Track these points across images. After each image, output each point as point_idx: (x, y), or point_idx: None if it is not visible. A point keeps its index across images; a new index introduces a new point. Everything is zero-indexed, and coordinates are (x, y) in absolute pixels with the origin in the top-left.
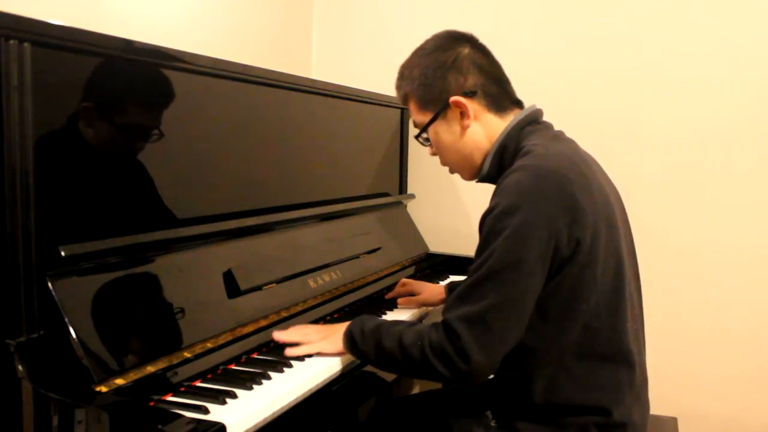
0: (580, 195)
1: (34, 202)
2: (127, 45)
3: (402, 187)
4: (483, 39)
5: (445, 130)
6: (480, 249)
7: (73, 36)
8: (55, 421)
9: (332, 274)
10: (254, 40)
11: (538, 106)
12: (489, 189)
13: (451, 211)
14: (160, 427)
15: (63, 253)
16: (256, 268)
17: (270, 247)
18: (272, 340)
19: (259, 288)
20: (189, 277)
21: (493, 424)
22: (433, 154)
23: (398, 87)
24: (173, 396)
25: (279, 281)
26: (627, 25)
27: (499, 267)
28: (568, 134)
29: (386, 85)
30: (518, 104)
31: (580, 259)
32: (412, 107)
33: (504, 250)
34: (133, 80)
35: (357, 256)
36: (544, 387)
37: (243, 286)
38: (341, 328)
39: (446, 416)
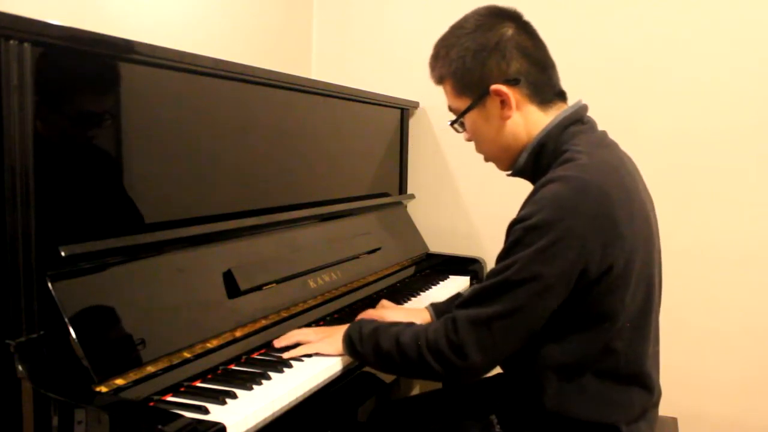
0: (621, 217)
1: (34, 202)
2: (127, 45)
3: (402, 187)
4: None
5: (483, 120)
6: (503, 255)
7: (73, 36)
8: (55, 421)
9: (332, 274)
10: (254, 40)
11: (584, 102)
12: (490, 189)
13: (451, 211)
14: (160, 427)
15: (63, 253)
16: (256, 268)
17: (270, 247)
18: (272, 340)
19: (259, 288)
20: (189, 277)
21: (498, 428)
22: (468, 140)
23: (432, 67)
24: (173, 396)
25: (279, 281)
26: (627, 25)
27: (519, 279)
28: None
29: (386, 85)
30: (562, 96)
31: (611, 282)
32: (448, 91)
33: (526, 264)
34: (133, 80)
35: (357, 256)
36: (555, 396)
37: (243, 286)
38: (340, 330)
39: (448, 418)
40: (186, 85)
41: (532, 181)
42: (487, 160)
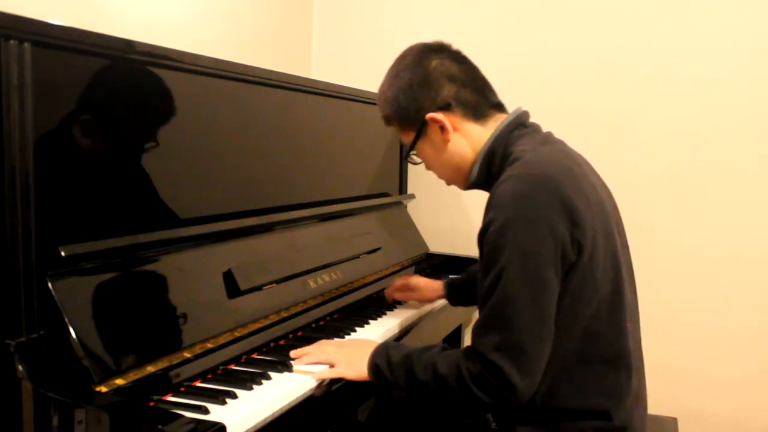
0: (576, 198)
1: (34, 202)
2: (127, 45)
3: (402, 187)
4: (482, 38)
5: (429, 147)
6: (486, 267)
7: (73, 36)
8: (55, 421)
9: (332, 274)
10: (254, 40)
11: (524, 108)
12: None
13: (451, 211)
14: (160, 427)
15: (63, 253)
16: (256, 268)
17: (270, 247)
18: (272, 341)
19: (259, 288)
20: (189, 277)
21: (494, 426)
22: (428, 168)
23: (382, 116)
24: (173, 396)
25: (279, 281)
26: (627, 25)
27: (516, 287)
28: (568, 135)
29: None
30: (499, 107)
31: (583, 263)
32: (396, 129)
33: (514, 269)
34: (133, 80)
35: (357, 256)
36: (545, 392)
37: (243, 286)
38: (364, 351)
39: (446, 418)
40: (186, 85)
41: (488, 190)
42: (448, 183)
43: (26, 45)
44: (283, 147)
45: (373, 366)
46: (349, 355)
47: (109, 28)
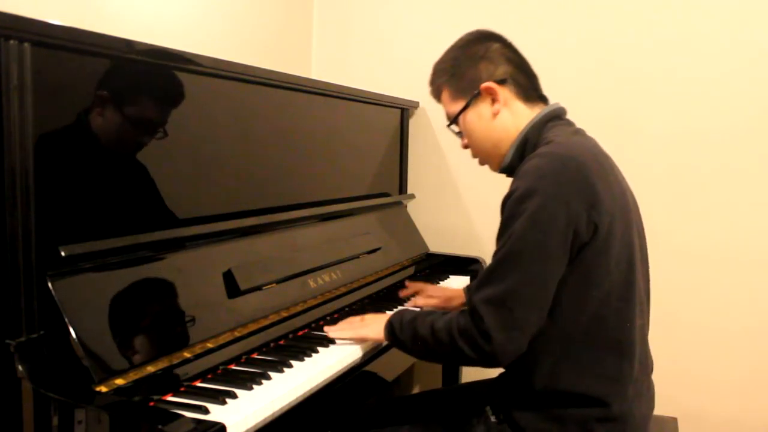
0: (598, 182)
1: (34, 202)
2: (127, 45)
3: (402, 187)
4: None
5: (476, 118)
6: (500, 233)
7: (73, 36)
8: (55, 421)
9: (332, 274)
10: (254, 40)
11: (561, 105)
12: (489, 189)
13: (451, 211)
14: (160, 427)
15: (63, 253)
16: (256, 268)
17: (270, 247)
18: (272, 341)
19: (259, 288)
20: (189, 277)
21: (492, 419)
22: (465, 146)
23: (432, 82)
24: (173, 396)
25: (279, 281)
26: (628, 25)
27: (518, 249)
28: None
29: (386, 85)
30: (544, 99)
31: (597, 245)
32: (445, 99)
33: (523, 233)
34: (133, 80)
35: (357, 256)
36: (547, 371)
37: (243, 286)
38: (383, 318)
39: (446, 415)
40: (186, 85)
41: None
42: (481, 162)
43: (26, 45)
44: (283, 147)
45: (389, 325)
46: (372, 320)
47: (109, 28)
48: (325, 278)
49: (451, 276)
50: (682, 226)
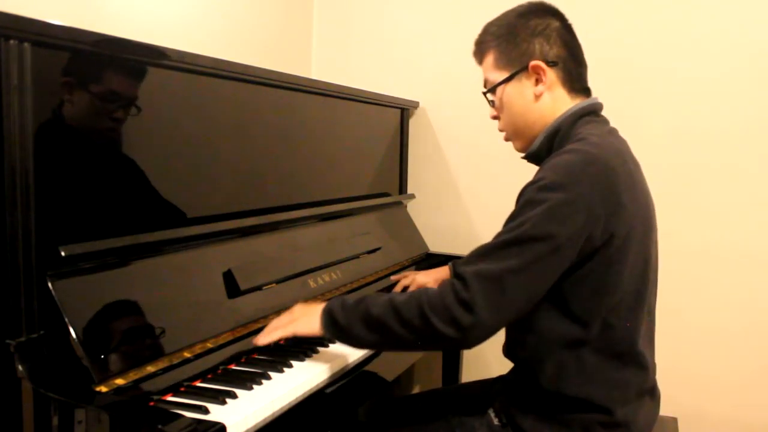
0: (624, 191)
1: (34, 202)
2: (127, 45)
3: (402, 187)
4: None
5: (516, 93)
6: (513, 215)
7: (73, 36)
8: (55, 421)
9: (332, 274)
10: (254, 40)
11: (599, 100)
12: (489, 189)
13: (451, 211)
14: (160, 427)
15: (63, 253)
16: (256, 268)
17: (270, 247)
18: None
19: (259, 288)
20: (189, 277)
21: (495, 422)
22: (494, 117)
23: (480, 41)
24: (173, 396)
25: (279, 281)
26: (627, 25)
27: (530, 236)
28: None
29: (386, 85)
30: (587, 92)
31: (611, 253)
32: (488, 63)
33: (537, 221)
34: (133, 80)
35: (357, 256)
36: (554, 374)
37: (243, 286)
38: (317, 308)
39: (447, 415)
40: (186, 85)
41: (540, 165)
42: (507, 138)
43: (26, 45)
44: (283, 147)
45: (327, 312)
46: (303, 312)
47: (109, 28)
48: (325, 278)
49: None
50: (682, 225)
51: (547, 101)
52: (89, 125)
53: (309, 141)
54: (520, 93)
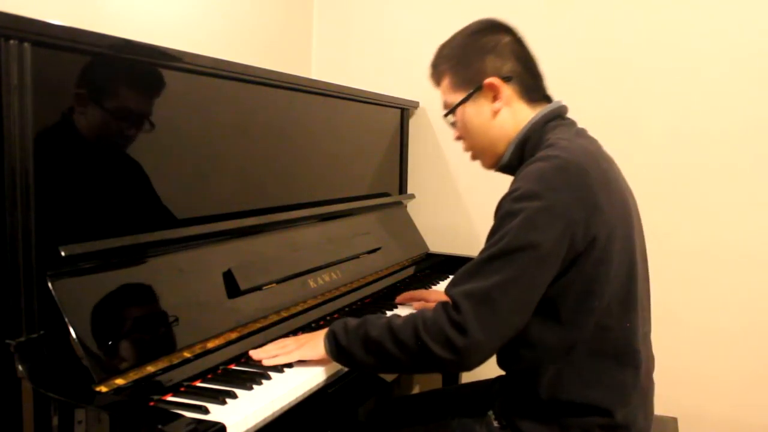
0: (600, 192)
1: (34, 202)
2: (127, 45)
3: (402, 187)
4: None
5: (475, 112)
6: (494, 230)
7: (73, 36)
8: (55, 421)
9: (332, 274)
10: (254, 40)
11: (564, 103)
12: (489, 189)
13: (451, 211)
14: (160, 427)
15: (63, 253)
16: (256, 268)
17: (270, 247)
18: (272, 341)
19: (259, 288)
20: (189, 277)
21: (495, 424)
22: (458, 138)
23: (435, 65)
24: (173, 396)
25: (279, 281)
26: (626, 25)
27: (512, 248)
28: None
29: (386, 85)
30: (548, 99)
31: (595, 256)
32: (445, 86)
33: (518, 232)
34: (133, 80)
35: (357, 256)
36: (550, 382)
37: (243, 286)
38: (322, 332)
39: (447, 416)
40: (186, 85)
41: (514, 174)
42: (473, 157)
43: (26, 45)
44: (283, 147)
45: (330, 334)
46: (308, 339)
47: (109, 28)
48: (325, 278)
49: (451, 276)
50: (682, 225)
51: (507, 116)
52: (89, 125)
53: (309, 141)
54: (479, 112)
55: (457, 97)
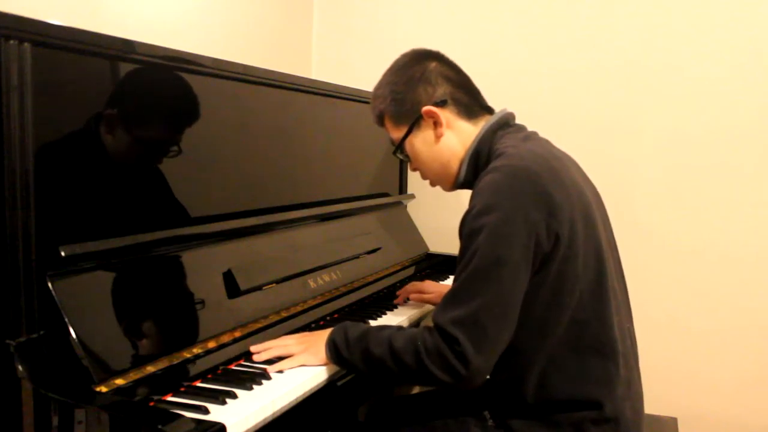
0: (554, 190)
1: (34, 202)
2: (127, 45)
3: (402, 187)
4: (483, 39)
5: (420, 141)
6: (462, 251)
7: (73, 36)
8: (55, 421)
9: (332, 274)
10: (254, 40)
11: (509, 110)
12: None
13: (451, 211)
14: (160, 427)
15: (63, 253)
16: (256, 268)
17: (270, 247)
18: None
19: (259, 288)
20: (189, 277)
21: (490, 423)
22: (414, 169)
23: (373, 108)
24: (173, 396)
25: (279, 281)
26: (625, 26)
27: (484, 266)
28: (565, 135)
29: None
30: (489, 110)
31: (561, 253)
32: (388, 125)
33: (486, 249)
34: (133, 81)
35: (357, 256)
36: (536, 385)
37: (243, 286)
38: (323, 336)
39: (445, 415)
40: (186, 85)
41: None
42: (433, 184)
43: (26, 45)
44: (283, 147)
45: (331, 343)
46: (310, 343)
47: (109, 28)
48: (325, 278)
49: (450, 276)
50: (681, 225)
51: (452, 138)
52: (89, 125)
53: (309, 141)
54: (424, 140)
55: (401, 133)
